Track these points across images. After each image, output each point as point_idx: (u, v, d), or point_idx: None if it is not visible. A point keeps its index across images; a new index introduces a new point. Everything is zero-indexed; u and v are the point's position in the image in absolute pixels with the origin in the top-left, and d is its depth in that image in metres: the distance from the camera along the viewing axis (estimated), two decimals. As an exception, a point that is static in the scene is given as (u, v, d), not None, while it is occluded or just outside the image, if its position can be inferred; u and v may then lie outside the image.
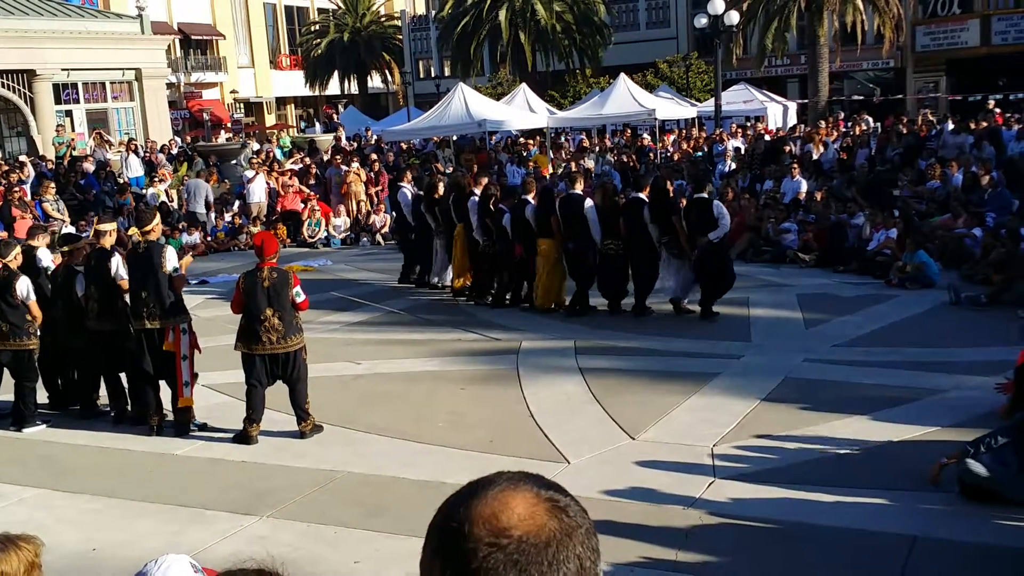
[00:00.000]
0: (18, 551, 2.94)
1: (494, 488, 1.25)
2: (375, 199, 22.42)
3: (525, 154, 27.37)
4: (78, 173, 21.91)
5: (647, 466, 7.49)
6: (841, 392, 9.17)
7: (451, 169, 23.66)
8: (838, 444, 7.81)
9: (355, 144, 30.78)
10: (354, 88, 52.65)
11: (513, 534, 1.19)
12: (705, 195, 12.54)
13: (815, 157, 22.00)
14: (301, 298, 8.61)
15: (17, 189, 18.81)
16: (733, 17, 26.03)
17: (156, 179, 22.54)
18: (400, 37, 52.31)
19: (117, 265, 9.26)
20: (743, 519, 6.52)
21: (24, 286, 9.25)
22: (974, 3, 36.55)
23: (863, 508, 6.63)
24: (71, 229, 16.20)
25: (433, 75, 49.03)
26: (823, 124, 25.96)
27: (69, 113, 29.35)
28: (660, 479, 7.20)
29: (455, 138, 29.41)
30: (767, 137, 26.19)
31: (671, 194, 13.03)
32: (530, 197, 13.31)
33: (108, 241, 9.53)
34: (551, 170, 24.31)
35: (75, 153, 24.52)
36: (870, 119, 28.51)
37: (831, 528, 6.33)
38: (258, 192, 22.00)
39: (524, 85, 32.15)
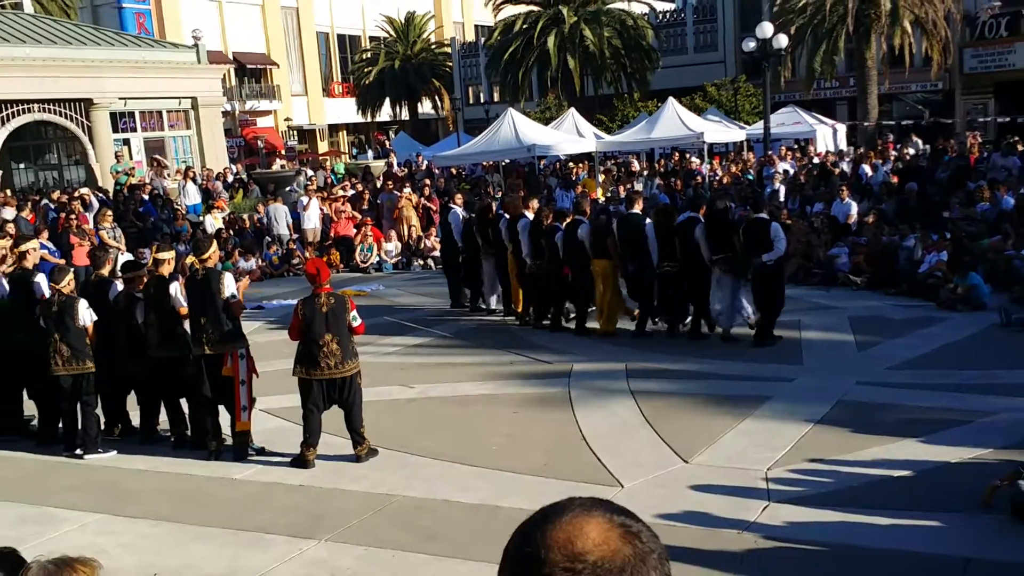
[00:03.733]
0: (73, 573, 3.02)
1: (567, 514, 1.29)
2: (428, 223, 22.66)
3: (574, 178, 27.48)
4: (136, 201, 22.39)
5: (701, 490, 7.50)
6: (894, 415, 9.11)
7: (501, 193, 23.86)
8: (892, 467, 7.76)
9: (406, 169, 31.13)
10: (405, 114, 53.28)
11: (588, 559, 1.23)
12: (764, 216, 12.53)
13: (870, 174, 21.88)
14: (357, 322, 8.74)
15: (75, 216, 19.24)
16: (781, 40, 25.99)
17: (214, 207, 22.99)
18: (450, 64, 52.87)
19: (176, 292, 9.43)
20: (798, 543, 6.51)
21: (85, 309, 9.47)
22: (1021, 26, 36.17)
23: (917, 531, 6.60)
24: (128, 257, 16.55)
25: (482, 101, 49.47)
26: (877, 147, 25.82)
27: (127, 141, 29.95)
28: (714, 503, 7.21)
29: (505, 162, 29.60)
30: (816, 160, 26.06)
31: (730, 214, 13.03)
32: (585, 217, 13.40)
33: (167, 269, 9.72)
34: (599, 194, 24.37)
35: (133, 181, 25.04)
36: (919, 141, 28.24)
37: (885, 551, 6.31)
38: (313, 218, 22.37)
39: (572, 110, 32.32)
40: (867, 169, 22.62)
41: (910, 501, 7.07)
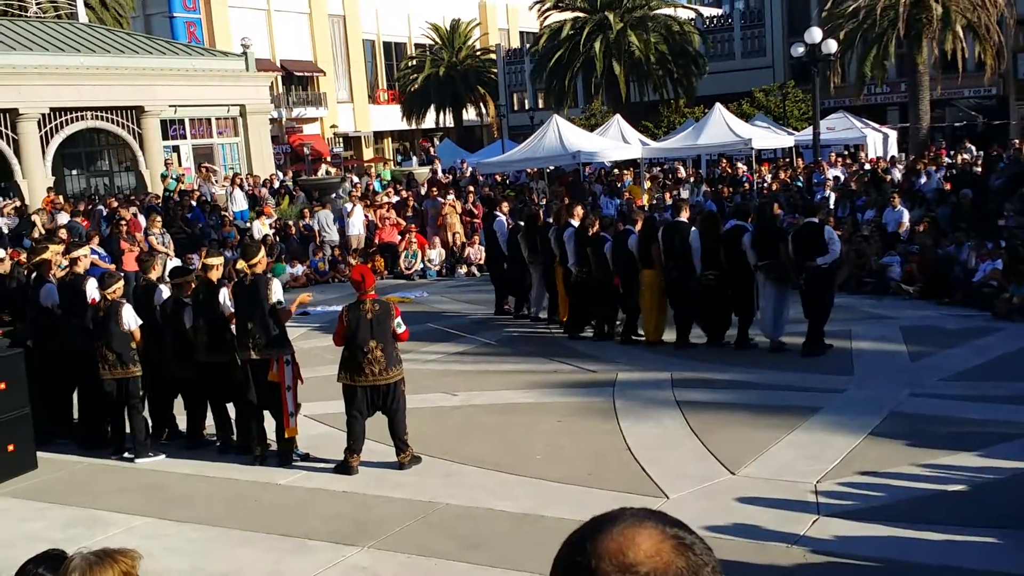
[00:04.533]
0: (114, 564, 3.02)
1: (619, 524, 1.26)
2: (471, 231, 22.68)
3: (619, 185, 27.37)
4: (185, 207, 22.65)
5: (748, 502, 7.38)
6: (948, 427, 8.92)
7: (545, 200, 23.83)
8: (945, 481, 7.60)
9: (451, 176, 31.20)
10: (449, 121, 53.54)
11: (640, 570, 1.21)
12: (816, 220, 12.33)
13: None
14: (402, 329, 8.73)
15: (126, 222, 19.49)
16: (831, 46, 25.67)
17: (262, 213, 23.21)
18: (495, 71, 53.07)
19: (224, 297, 9.51)
20: (848, 557, 6.37)
21: (129, 314, 9.56)
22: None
23: (971, 547, 6.44)
24: (176, 262, 16.72)
25: (527, 107, 49.50)
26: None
27: (176, 148, 30.34)
28: (762, 515, 7.09)
29: (550, 169, 29.56)
30: (867, 166, 25.73)
31: (777, 220, 12.84)
32: (635, 227, 13.30)
33: (216, 274, 9.81)
34: (645, 200, 24.25)
35: (182, 187, 25.35)
36: (972, 147, 27.77)
37: (939, 567, 6.17)
38: (357, 224, 22.48)
39: (618, 116, 32.19)
40: (924, 178, 22.24)
41: (964, 516, 6.90)
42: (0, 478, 8.97)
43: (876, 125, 33.28)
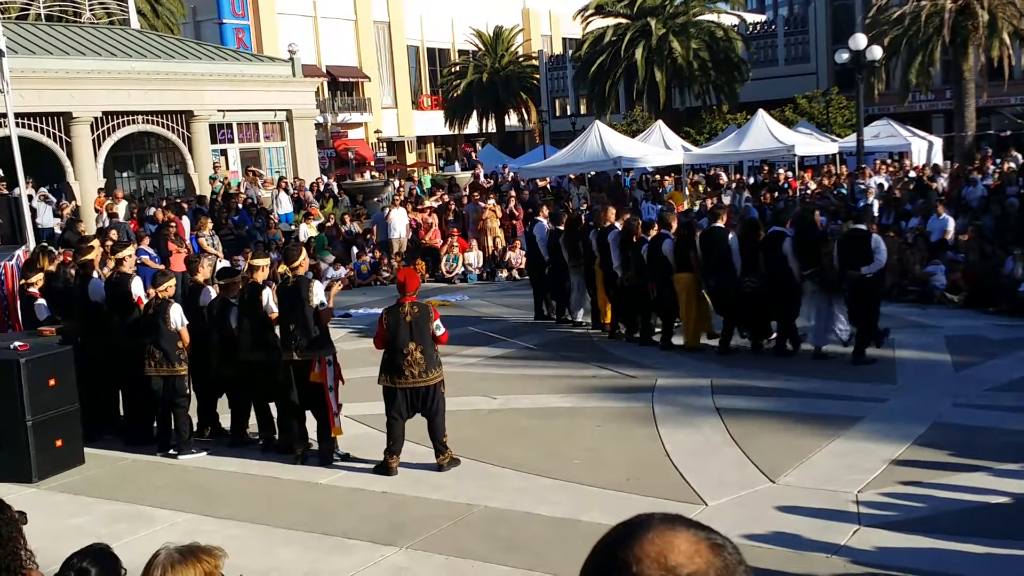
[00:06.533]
0: (197, 563, 3.08)
1: (652, 528, 1.29)
2: (511, 235, 22.72)
3: (660, 191, 27.29)
4: (232, 210, 22.92)
5: (788, 511, 7.34)
6: (993, 439, 8.80)
7: (585, 206, 23.84)
8: (989, 493, 7.50)
9: (492, 181, 31.30)
10: (492, 127, 53.72)
11: (682, 572, 1.23)
12: (863, 227, 12.23)
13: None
14: (441, 331, 8.79)
15: (173, 225, 19.77)
16: (875, 52, 25.45)
17: (310, 217, 23.42)
18: (537, 76, 53.16)
19: (268, 298, 9.63)
20: (889, 568, 6.31)
21: (177, 314, 9.73)
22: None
23: (1015, 560, 6.35)
24: (225, 264, 16.91)
25: (569, 113, 49.58)
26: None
27: (224, 152, 30.73)
28: (802, 525, 7.04)
29: (591, 175, 29.56)
30: (912, 173, 25.42)
31: (818, 226, 12.74)
32: (670, 231, 13.28)
33: (261, 275, 9.92)
34: (686, 206, 24.16)
35: (230, 191, 25.65)
36: (1019, 156, 27.34)
37: (983, 581, 6.09)
38: (399, 227, 22.59)
39: (660, 122, 32.12)
40: (973, 189, 21.91)
41: (1008, 529, 6.82)
42: (48, 473, 9.15)
43: (921, 133, 32.88)
